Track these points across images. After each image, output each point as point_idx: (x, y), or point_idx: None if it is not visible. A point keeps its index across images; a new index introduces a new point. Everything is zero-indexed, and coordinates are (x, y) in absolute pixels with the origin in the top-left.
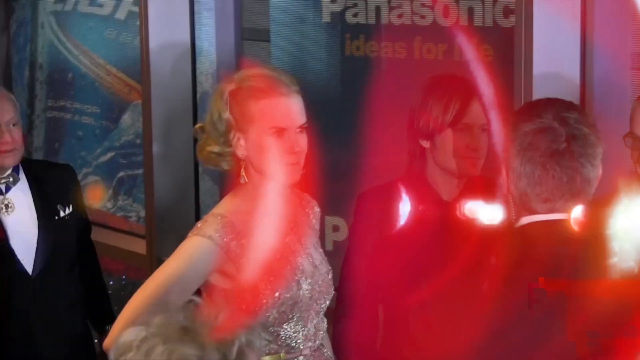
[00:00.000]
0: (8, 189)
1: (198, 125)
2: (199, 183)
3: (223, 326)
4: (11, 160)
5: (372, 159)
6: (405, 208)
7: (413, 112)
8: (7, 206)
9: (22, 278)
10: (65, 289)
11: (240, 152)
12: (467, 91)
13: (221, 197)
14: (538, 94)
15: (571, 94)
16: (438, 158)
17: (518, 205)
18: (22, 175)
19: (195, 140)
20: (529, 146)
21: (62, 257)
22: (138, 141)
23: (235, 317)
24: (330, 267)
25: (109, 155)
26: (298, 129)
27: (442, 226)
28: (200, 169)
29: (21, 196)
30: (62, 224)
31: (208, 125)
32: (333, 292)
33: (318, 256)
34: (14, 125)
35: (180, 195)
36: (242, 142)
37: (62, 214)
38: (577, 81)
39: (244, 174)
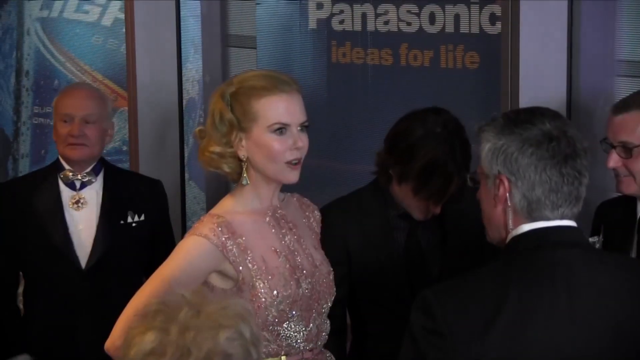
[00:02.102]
0: (83, 186)
1: (198, 128)
2: (186, 190)
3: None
4: (76, 153)
5: (357, 166)
6: (370, 219)
7: (399, 140)
8: (77, 202)
9: (76, 272)
10: (116, 290)
11: (242, 153)
12: (457, 171)
13: (207, 203)
14: (524, 101)
15: (557, 101)
16: (401, 193)
17: (520, 214)
18: (100, 177)
19: (182, 147)
20: (544, 153)
21: (118, 260)
22: (124, 148)
23: None
24: (331, 269)
25: None
26: (299, 127)
27: (408, 235)
28: (186, 176)
29: (93, 196)
30: (126, 229)
31: (209, 127)
32: (335, 292)
33: (319, 256)
34: (90, 122)
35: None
36: (243, 142)
37: (129, 219)
38: (564, 88)
39: (245, 175)
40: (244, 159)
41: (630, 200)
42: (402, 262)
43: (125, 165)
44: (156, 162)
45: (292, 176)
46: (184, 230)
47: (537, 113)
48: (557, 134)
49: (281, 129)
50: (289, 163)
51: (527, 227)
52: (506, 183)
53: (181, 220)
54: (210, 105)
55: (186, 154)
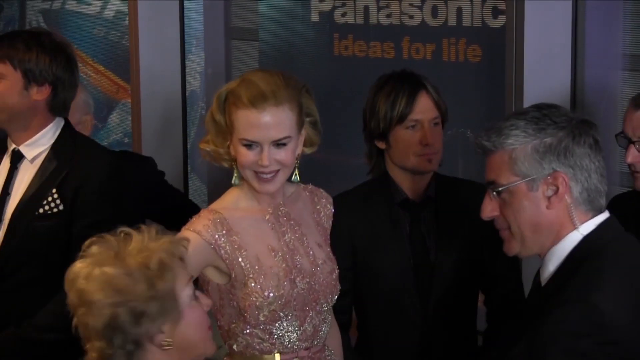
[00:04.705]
0: None
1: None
2: (188, 182)
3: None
4: None
5: (359, 159)
6: (374, 211)
7: (364, 114)
8: None
9: None
10: None
11: (233, 153)
12: (413, 87)
13: (209, 196)
14: (529, 94)
15: (562, 95)
16: (394, 157)
17: (580, 208)
18: None
19: (185, 139)
20: (591, 140)
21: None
22: (126, 140)
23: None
24: (335, 266)
25: None
26: (273, 144)
27: (411, 227)
28: (189, 168)
29: None
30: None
31: (206, 122)
32: (338, 291)
33: (322, 254)
34: None
35: None
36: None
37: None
38: (568, 82)
39: (237, 174)
40: (235, 159)
41: None
42: (407, 254)
43: None
44: (158, 155)
45: (264, 188)
46: (185, 222)
47: (554, 106)
48: (588, 119)
49: (249, 145)
50: (258, 175)
51: (592, 224)
52: (566, 179)
53: None
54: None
55: (188, 147)
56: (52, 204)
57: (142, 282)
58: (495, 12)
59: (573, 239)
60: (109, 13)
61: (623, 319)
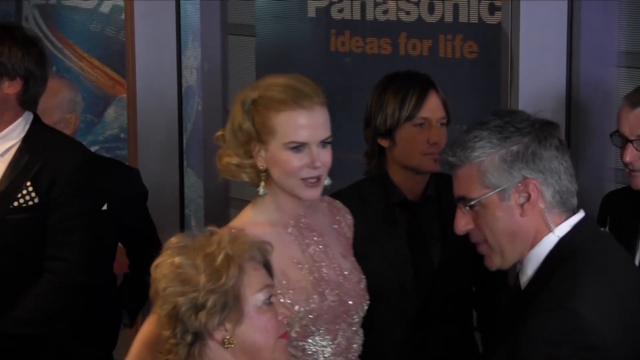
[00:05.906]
0: None
1: (219, 132)
2: (184, 177)
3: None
4: None
5: (356, 155)
6: (371, 211)
7: (369, 111)
8: None
9: None
10: None
11: (261, 164)
12: (423, 85)
13: (205, 191)
14: (524, 91)
15: (557, 92)
16: (398, 155)
17: (554, 211)
18: None
19: (181, 134)
20: (557, 141)
21: None
22: (122, 135)
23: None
24: (362, 276)
25: (93, 149)
26: (320, 143)
27: (409, 226)
28: (185, 163)
29: None
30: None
31: (228, 134)
32: (367, 302)
33: (347, 265)
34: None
35: (165, 190)
36: (262, 153)
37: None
38: (563, 79)
39: (263, 185)
40: (263, 170)
41: (637, 190)
42: (405, 253)
43: (124, 153)
44: (154, 150)
45: (309, 194)
46: (182, 218)
47: (514, 112)
48: (550, 121)
49: (298, 147)
50: (305, 180)
51: (567, 225)
52: (537, 184)
53: (179, 208)
54: (232, 110)
55: (184, 142)
56: (27, 197)
57: (204, 274)
58: (492, 8)
59: (549, 241)
60: (105, 8)
61: (603, 322)
